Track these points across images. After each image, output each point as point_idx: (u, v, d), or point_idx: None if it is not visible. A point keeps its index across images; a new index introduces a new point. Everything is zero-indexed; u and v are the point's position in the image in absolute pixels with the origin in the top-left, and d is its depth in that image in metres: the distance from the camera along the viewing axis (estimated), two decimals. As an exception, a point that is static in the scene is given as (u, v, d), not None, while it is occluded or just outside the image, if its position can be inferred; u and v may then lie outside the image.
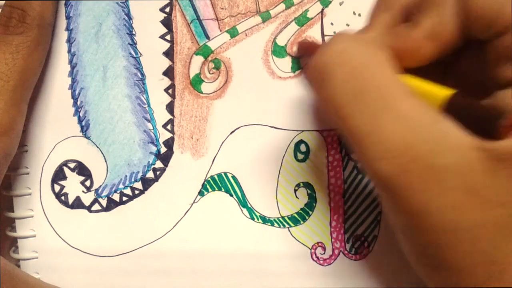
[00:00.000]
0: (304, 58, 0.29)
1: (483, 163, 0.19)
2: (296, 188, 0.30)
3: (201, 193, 0.30)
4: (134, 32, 0.29)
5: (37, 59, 0.27)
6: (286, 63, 0.30)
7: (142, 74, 0.29)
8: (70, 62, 0.29)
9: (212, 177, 0.30)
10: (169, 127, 0.30)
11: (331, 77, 0.21)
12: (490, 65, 0.22)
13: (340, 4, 0.29)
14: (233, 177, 0.30)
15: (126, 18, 0.29)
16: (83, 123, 0.29)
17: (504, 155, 0.19)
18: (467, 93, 0.22)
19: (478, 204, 0.19)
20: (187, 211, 0.30)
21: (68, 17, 0.29)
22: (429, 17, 0.22)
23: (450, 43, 0.22)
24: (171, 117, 0.30)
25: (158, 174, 0.30)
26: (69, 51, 0.29)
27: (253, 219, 0.30)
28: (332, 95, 0.21)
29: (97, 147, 0.30)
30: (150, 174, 0.30)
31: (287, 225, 0.30)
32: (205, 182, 0.30)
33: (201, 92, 0.30)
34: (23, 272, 0.29)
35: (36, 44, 0.27)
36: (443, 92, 0.21)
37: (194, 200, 0.30)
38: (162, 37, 0.29)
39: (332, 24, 0.30)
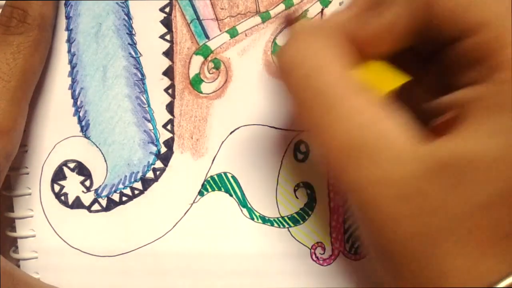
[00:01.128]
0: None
1: (422, 168, 0.19)
2: (296, 188, 0.30)
3: (201, 193, 0.30)
4: (134, 32, 0.29)
5: (38, 59, 0.27)
6: (286, 63, 0.30)
7: (142, 74, 0.29)
8: (70, 62, 0.29)
9: (212, 177, 0.30)
10: (169, 127, 0.30)
11: (290, 77, 0.22)
12: (449, 69, 0.21)
13: (340, 4, 0.29)
14: (233, 177, 0.30)
15: (126, 18, 0.29)
16: (83, 123, 0.29)
17: (443, 160, 0.18)
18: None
19: (419, 212, 0.19)
20: (187, 211, 0.30)
21: (68, 17, 0.29)
22: (391, 8, 0.21)
23: (408, 38, 0.21)
24: (171, 117, 0.30)
25: (158, 174, 0.30)
26: (69, 51, 0.29)
27: (253, 219, 0.30)
28: (292, 92, 0.22)
29: (97, 147, 0.30)
30: (150, 174, 0.30)
31: (286, 225, 0.30)
32: (205, 182, 0.30)
33: (201, 92, 0.30)
34: (23, 272, 0.29)
35: (37, 44, 0.27)
36: (398, 80, 0.21)
37: (194, 200, 0.30)
38: (162, 37, 0.29)
39: (332, 24, 0.30)
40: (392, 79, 0.21)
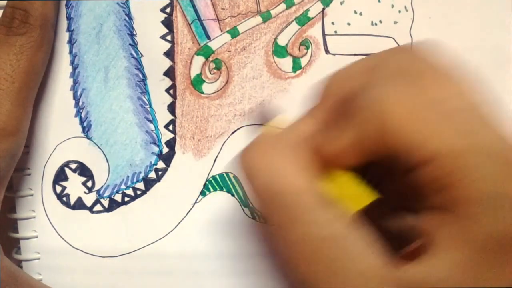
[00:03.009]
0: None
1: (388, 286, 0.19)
2: (298, 187, 0.30)
3: (202, 193, 0.30)
4: (135, 33, 0.29)
5: (41, 59, 0.27)
6: (287, 63, 0.30)
7: (143, 75, 0.29)
8: (72, 63, 0.29)
9: (213, 177, 0.30)
10: (170, 127, 0.30)
11: (249, 182, 0.22)
12: (413, 187, 0.21)
13: (341, 3, 0.30)
14: (235, 177, 0.30)
15: (127, 18, 0.29)
16: (85, 124, 0.29)
17: (408, 284, 0.19)
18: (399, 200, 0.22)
19: None
20: (189, 211, 0.30)
21: (69, 18, 0.29)
22: (351, 129, 0.21)
23: (373, 155, 0.21)
24: (173, 117, 0.30)
25: (160, 174, 0.30)
26: (70, 52, 0.29)
27: (254, 218, 0.30)
28: (256, 196, 0.22)
29: (99, 147, 0.30)
30: (152, 175, 0.30)
31: (288, 225, 0.30)
32: (207, 182, 0.30)
33: (202, 93, 0.30)
34: (26, 274, 0.29)
35: (39, 45, 0.27)
36: (365, 198, 0.21)
37: (196, 200, 0.30)
38: (163, 37, 0.29)
39: (333, 23, 0.30)
40: (359, 196, 0.21)
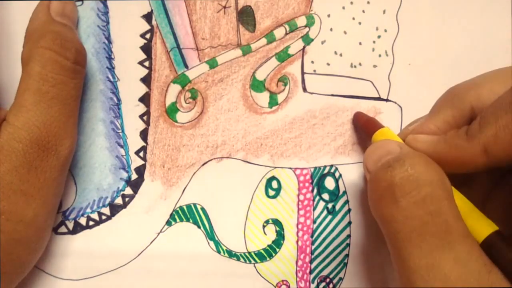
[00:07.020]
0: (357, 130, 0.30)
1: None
2: (265, 224, 0.30)
3: (168, 223, 0.30)
4: (113, 56, 0.29)
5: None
6: (263, 98, 0.29)
7: (118, 99, 0.29)
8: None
9: (181, 207, 0.30)
10: (141, 154, 0.29)
11: (395, 201, 0.21)
12: None
13: (322, 43, 0.29)
14: (202, 209, 0.30)
15: (106, 41, 0.29)
16: (55, 144, 0.29)
17: None
18: None
19: None
20: (153, 240, 0.30)
21: (47, 37, 0.29)
22: (486, 132, 0.21)
23: (506, 160, 0.21)
24: (144, 144, 0.29)
25: (127, 200, 0.29)
26: (44, 72, 0.29)
27: (219, 252, 0.30)
28: (392, 218, 0.21)
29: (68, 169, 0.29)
30: (119, 200, 0.29)
31: (253, 261, 0.30)
32: (174, 212, 0.30)
33: (176, 121, 0.29)
34: None
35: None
36: (484, 228, 0.21)
37: (161, 230, 0.30)
38: (141, 63, 0.29)
39: (312, 62, 0.29)
40: (483, 227, 0.22)
